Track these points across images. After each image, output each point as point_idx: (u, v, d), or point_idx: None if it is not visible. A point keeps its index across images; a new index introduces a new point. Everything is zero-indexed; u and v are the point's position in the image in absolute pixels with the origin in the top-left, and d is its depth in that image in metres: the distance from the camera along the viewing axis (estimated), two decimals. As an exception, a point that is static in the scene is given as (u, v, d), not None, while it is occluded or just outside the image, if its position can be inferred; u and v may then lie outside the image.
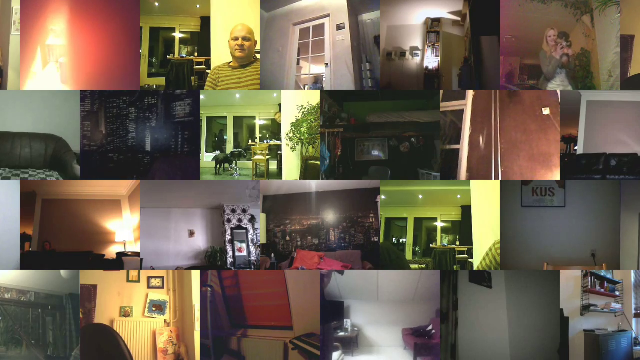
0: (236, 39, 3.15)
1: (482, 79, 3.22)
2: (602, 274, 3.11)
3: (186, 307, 3.29)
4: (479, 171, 3.07)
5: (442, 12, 3.19)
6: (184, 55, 3.71)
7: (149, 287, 3.30)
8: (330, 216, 3.36)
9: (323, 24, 3.49)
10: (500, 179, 3.05)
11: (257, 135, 3.79)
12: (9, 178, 3.10)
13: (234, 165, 3.57)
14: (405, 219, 3.53)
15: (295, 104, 3.37)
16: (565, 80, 3.14)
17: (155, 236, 3.03)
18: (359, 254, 3.29)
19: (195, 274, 3.12)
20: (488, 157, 3.05)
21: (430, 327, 2.98)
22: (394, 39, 3.33)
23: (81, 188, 3.23)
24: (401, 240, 3.52)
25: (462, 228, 3.39)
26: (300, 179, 3.35)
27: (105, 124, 3.14)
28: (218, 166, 3.52)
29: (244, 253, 3.38)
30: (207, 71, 3.29)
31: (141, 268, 3.19)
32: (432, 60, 3.33)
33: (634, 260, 3.14)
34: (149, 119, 3.14)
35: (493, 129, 3.07)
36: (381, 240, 3.24)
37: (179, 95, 3.15)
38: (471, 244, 3.20)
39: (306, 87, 3.48)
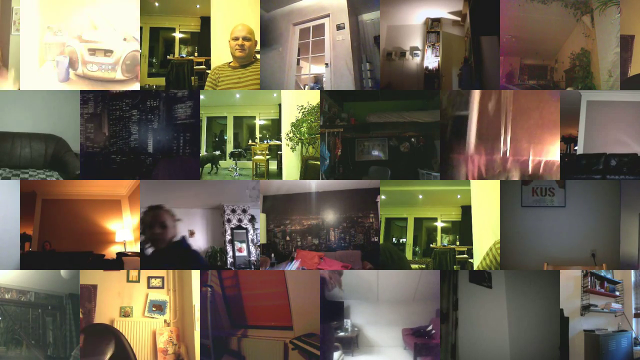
0: (236, 38, 3.15)
1: (482, 79, 3.22)
2: (602, 274, 3.11)
3: (186, 307, 3.29)
4: (488, 139, 3.07)
5: (442, 12, 3.19)
6: (184, 55, 3.71)
7: (149, 287, 3.30)
8: (330, 216, 3.36)
9: (323, 24, 3.49)
10: (508, 146, 3.05)
11: (257, 135, 3.79)
12: (9, 178, 3.10)
13: (233, 166, 3.58)
14: (405, 219, 3.53)
15: (295, 104, 3.37)
16: None
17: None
18: (359, 254, 3.28)
19: (195, 274, 3.12)
20: (497, 122, 3.05)
21: (430, 327, 2.98)
22: (394, 39, 3.32)
23: (81, 188, 3.23)
24: (401, 240, 3.52)
25: (462, 228, 3.39)
26: (300, 179, 3.35)
27: (108, 126, 3.14)
28: (204, 167, 3.49)
29: (244, 253, 3.38)
30: (207, 71, 3.29)
31: (141, 268, 3.19)
32: (432, 60, 3.33)
33: (634, 260, 3.14)
34: (151, 120, 3.14)
35: (502, 95, 3.07)
36: (381, 241, 3.24)
37: (180, 98, 3.15)
38: (471, 244, 3.20)
39: (306, 87, 3.48)
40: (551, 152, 3.07)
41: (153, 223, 2.89)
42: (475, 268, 3.08)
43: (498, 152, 3.15)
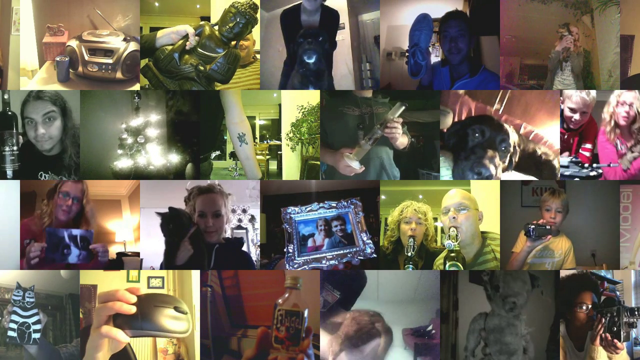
0: (236, 39, 3.15)
1: (482, 79, 3.22)
2: (602, 274, 3.11)
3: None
4: (484, 92, 3.15)
5: (442, 12, 3.18)
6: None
7: (149, 287, 3.29)
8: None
9: (323, 24, 3.48)
10: (503, 105, 3.07)
11: (257, 135, 3.79)
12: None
13: (233, 166, 3.57)
14: (405, 219, 3.51)
15: (295, 104, 3.37)
16: (569, 77, 3.10)
17: (156, 236, 3.02)
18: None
19: (195, 274, 3.12)
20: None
21: (430, 327, 2.98)
22: (394, 39, 3.32)
23: (81, 188, 3.22)
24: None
25: (462, 228, 3.38)
26: (300, 179, 3.35)
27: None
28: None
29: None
30: (207, 71, 3.28)
31: (141, 268, 3.19)
32: (432, 60, 3.32)
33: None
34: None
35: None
36: (381, 241, 3.24)
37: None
38: (471, 244, 3.19)
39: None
40: (545, 128, 3.09)
41: (204, 213, 2.84)
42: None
43: (492, 106, 3.17)
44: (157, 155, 3.06)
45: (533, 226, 2.87)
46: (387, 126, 2.84)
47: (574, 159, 2.93)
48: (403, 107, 2.85)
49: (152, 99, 3.13)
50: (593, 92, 3.02)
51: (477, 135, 2.89)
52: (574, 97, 3.00)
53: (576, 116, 3.00)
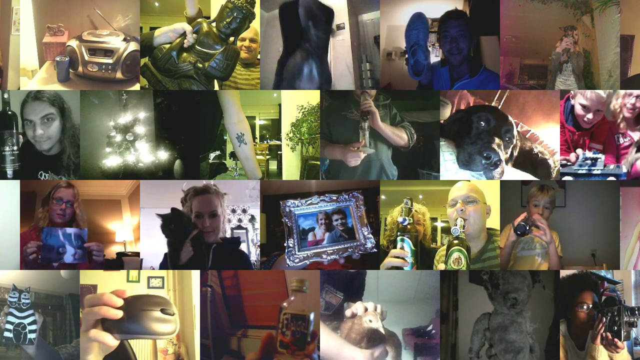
0: (243, 39, 3.14)
1: (482, 78, 3.22)
2: (602, 274, 3.11)
3: (186, 307, 3.29)
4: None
5: (442, 11, 3.19)
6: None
7: (149, 287, 3.30)
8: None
9: (323, 24, 3.48)
10: (501, 104, 3.05)
11: (257, 135, 3.79)
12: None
13: (233, 166, 3.57)
14: (405, 219, 3.51)
15: (295, 104, 3.37)
16: (570, 77, 3.08)
17: (155, 236, 3.03)
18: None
19: (195, 274, 3.12)
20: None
21: (430, 327, 2.98)
22: (394, 39, 3.33)
23: (81, 188, 3.22)
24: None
25: (462, 228, 3.38)
26: (300, 179, 3.35)
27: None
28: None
29: (244, 253, 3.37)
30: (208, 71, 3.28)
31: (141, 268, 3.19)
32: (432, 60, 3.32)
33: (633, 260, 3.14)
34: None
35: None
36: (381, 241, 3.24)
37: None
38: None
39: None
40: (541, 129, 3.09)
41: (201, 214, 2.84)
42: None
43: (490, 103, 3.17)
44: (145, 152, 3.05)
45: (523, 223, 2.87)
46: (362, 110, 2.91)
47: (591, 155, 2.88)
48: (366, 93, 2.95)
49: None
50: (609, 90, 3.02)
51: (482, 123, 2.83)
52: (588, 93, 2.97)
53: (589, 115, 2.97)
